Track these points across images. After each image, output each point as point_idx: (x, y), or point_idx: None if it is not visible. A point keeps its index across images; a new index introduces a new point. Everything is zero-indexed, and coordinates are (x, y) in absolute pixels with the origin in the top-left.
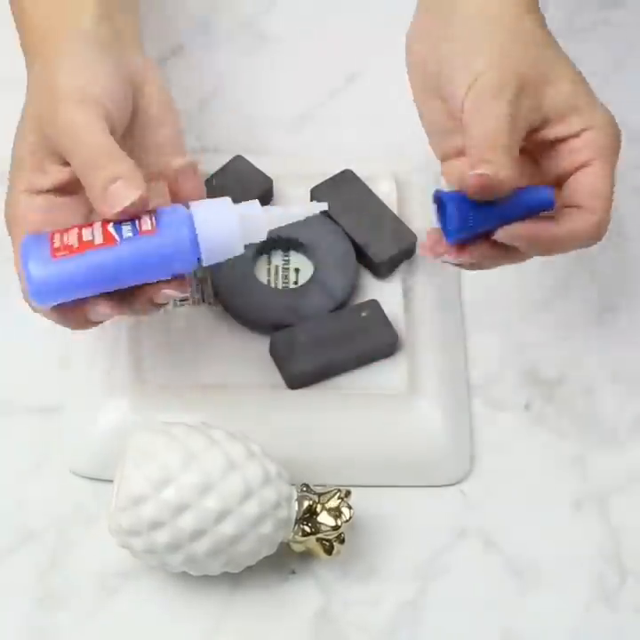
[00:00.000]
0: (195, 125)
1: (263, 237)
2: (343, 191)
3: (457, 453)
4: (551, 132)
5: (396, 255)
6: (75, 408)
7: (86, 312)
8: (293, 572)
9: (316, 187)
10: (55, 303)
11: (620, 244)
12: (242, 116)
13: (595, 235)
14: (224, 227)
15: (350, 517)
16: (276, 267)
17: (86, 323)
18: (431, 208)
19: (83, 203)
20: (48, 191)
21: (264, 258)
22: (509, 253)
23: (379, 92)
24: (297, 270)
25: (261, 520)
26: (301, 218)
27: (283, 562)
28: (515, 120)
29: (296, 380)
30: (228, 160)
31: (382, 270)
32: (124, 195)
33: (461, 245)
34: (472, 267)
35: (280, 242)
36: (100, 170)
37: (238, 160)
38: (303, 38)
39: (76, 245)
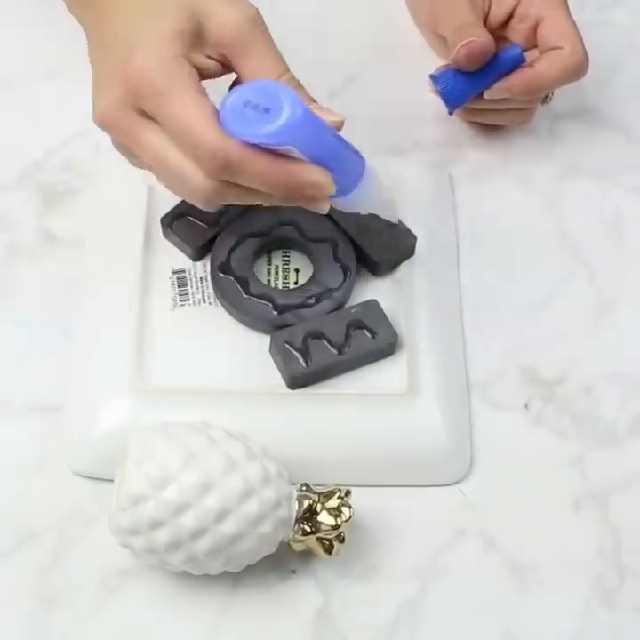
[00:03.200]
0: None
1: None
2: None
3: (457, 453)
4: (499, 12)
5: (395, 255)
6: (75, 408)
7: (293, 169)
8: (293, 572)
9: None
10: (277, 145)
11: (620, 244)
12: None
13: (573, 65)
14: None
15: (350, 517)
16: (276, 267)
17: (277, 182)
18: (430, 83)
19: None
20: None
21: (264, 258)
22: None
23: (379, 92)
24: (297, 270)
25: (261, 519)
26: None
27: (283, 561)
28: (473, 5)
29: (296, 380)
30: None
31: (382, 270)
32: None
33: (466, 109)
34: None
35: (280, 242)
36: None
37: None
38: (303, 38)
39: None
